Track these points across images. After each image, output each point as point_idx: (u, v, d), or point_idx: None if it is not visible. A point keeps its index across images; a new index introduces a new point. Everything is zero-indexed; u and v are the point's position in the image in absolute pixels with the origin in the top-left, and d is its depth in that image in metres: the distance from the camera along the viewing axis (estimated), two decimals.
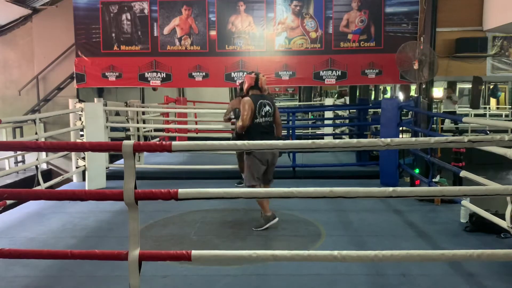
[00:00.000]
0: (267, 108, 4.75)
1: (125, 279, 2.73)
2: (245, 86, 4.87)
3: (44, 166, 8.92)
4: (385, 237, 4.54)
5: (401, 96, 12.29)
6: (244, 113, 4.62)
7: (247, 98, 4.72)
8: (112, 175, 6.95)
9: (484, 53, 7.44)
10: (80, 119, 6.56)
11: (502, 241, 4.20)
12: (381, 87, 18.68)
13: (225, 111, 6.66)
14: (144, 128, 8.48)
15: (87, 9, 7.73)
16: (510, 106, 18.45)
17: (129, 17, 7.72)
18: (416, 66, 6.67)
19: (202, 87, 10.27)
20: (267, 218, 4.75)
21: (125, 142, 2.55)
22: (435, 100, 9.72)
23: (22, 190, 2.89)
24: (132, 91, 11.43)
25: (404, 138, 5.96)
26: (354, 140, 2.58)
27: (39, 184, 5.78)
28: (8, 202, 4.90)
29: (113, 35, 7.74)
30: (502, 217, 3.84)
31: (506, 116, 17.41)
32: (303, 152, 8.02)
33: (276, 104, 5.07)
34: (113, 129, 8.22)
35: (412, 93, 12.09)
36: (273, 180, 4.98)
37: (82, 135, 6.69)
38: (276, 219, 4.78)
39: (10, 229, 4.86)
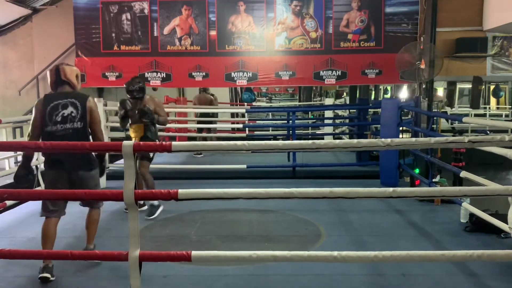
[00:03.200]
0: (69, 110, 3.56)
1: (125, 279, 2.73)
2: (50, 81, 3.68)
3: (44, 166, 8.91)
4: (385, 237, 4.53)
5: (406, 95, 12.21)
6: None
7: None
8: (112, 175, 6.95)
9: (484, 53, 7.44)
10: None
11: (502, 241, 4.19)
12: (382, 87, 18.67)
13: (224, 111, 6.64)
14: None
15: (87, 9, 7.74)
16: (510, 106, 18.44)
17: (129, 17, 7.72)
18: (422, 65, 6.66)
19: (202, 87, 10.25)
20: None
21: (125, 142, 2.55)
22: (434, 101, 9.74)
23: (22, 190, 2.90)
24: None
25: (404, 138, 5.97)
26: (354, 141, 2.58)
27: (39, 184, 5.78)
28: (8, 202, 4.90)
29: (113, 35, 7.74)
30: (503, 217, 3.84)
31: (506, 116, 17.40)
32: (303, 152, 8.01)
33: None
34: (113, 129, 8.21)
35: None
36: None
37: None
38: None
39: (10, 229, 4.86)
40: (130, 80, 5.14)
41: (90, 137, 3.69)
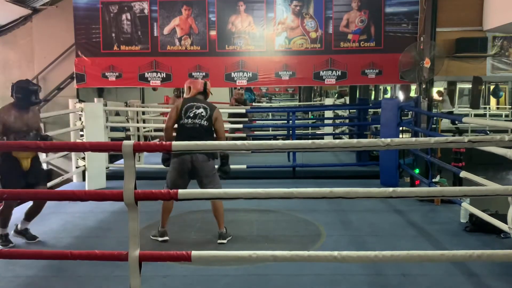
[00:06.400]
0: (200, 110, 4.34)
1: (125, 279, 2.73)
2: (192, 91, 4.49)
3: (44, 166, 8.91)
4: (385, 237, 4.54)
5: (401, 96, 12.26)
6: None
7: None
8: (112, 175, 6.95)
9: (484, 53, 7.44)
10: (80, 119, 6.56)
11: (502, 241, 4.20)
12: (381, 87, 18.67)
13: (223, 111, 6.47)
14: (144, 128, 8.48)
15: (87, 9, 7.73)
16: (510, 106, 18.45)
17: (129, 17, 7.71)
18: (427, 64, 6.66)
19: None
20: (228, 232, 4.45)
21: (125, 142, 2.54)
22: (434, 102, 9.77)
23: (22, 190, 2.90)
24: (132, 91, 11.42)
25: (404, 138, 5.97)
26: (354, 140, 2.58)
27: None
28: None
29: (113, 35, 7.74)
30: (502, 217, 3.84)
31: (506, 116, 17.40)
32: (303, 152, 8.00)
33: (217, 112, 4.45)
34: (113, 129, 8.21)
35: (413, 93, 12.08)
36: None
37: (82, 135, 6.68)
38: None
39: (10, 229, 4.85)
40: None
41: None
